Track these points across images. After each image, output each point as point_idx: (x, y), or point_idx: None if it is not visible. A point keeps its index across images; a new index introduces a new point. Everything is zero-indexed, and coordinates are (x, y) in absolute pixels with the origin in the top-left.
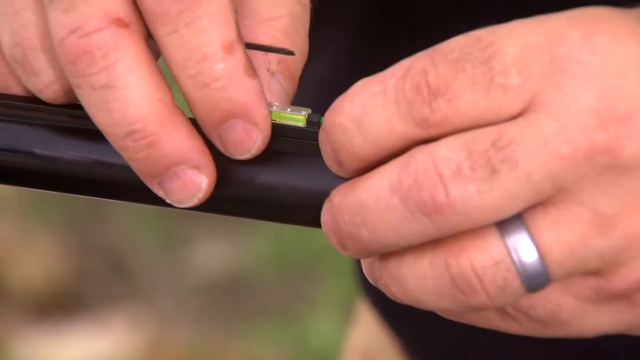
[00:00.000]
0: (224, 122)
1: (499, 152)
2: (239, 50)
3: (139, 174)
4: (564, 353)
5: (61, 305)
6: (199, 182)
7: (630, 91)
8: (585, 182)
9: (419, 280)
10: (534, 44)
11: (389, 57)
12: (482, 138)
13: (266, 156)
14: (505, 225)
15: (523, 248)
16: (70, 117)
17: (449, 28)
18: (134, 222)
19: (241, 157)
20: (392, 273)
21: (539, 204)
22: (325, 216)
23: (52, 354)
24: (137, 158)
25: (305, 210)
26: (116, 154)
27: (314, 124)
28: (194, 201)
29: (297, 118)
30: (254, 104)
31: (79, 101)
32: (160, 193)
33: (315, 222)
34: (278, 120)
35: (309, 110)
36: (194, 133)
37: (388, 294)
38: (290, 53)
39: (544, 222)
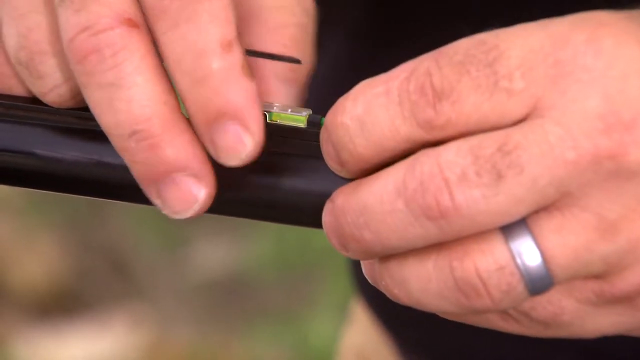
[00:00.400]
0: (216, 122)
1: (505, 157)
2: (237, 50)
3: (138, 180)
4: (564, 354)
5: (61, 305)
6: (196, 192)
7: (635, 95)
8: (590, 188)
9: (422, 283)
10: (538, 47)
11: (389, 58)
12: (488, 143)
13: (267, 157)
14: (509, 229)
15: (527, 252)
16: (72, 118)
17: (450, 29)
18: (135, 222)
19: (232, 164)
20: (393, 275)
21: (543, 209)
22: (327, 217)
23: (52, 354)
24: (138, 160)
25: (305, 211)
26: (117, 154)
27: (315, 125)
28: (191, 212)
29: (298, 119)
30: (247, 106)
31: (83, 106)
32: (157, 202)
33: (316, 223)
34: (279, 121)
35: (310, 111)
36: (197, 141)
37: (389, 295)
38: (297, 61)
39: (548, 226)
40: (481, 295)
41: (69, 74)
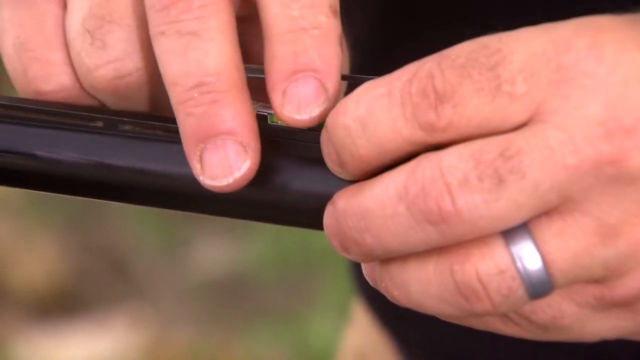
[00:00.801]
0: (301, 73)
1: (507, 162)
2: (338, 20)
3: (185, 137)
4: (563, 356)
5: (61, 305)
6: (240, 161)
7: (636, 101)
8: (591, 193)
9: (422, 286)
10: (541, 52)
11: (390, 60)
12: (489, 147)
13: (266, 159)
14: (510, 233)
15: (528, 256)
16: (72, 119)
17: (450, 30)
18: (135, 223)
19: (302, 117)
20: (394, 277)
21: (544, 213)
22: (328, 220)
23: (52, 354)
24: (195, 114)
25: (306, 213)
26: (117, 155)
27: (316, 126)
28: (226, 182)
29: None
30: (332, 69)
31: (116, 93)
32: (197, 167)
33: (317, 225)
34: (279, 123)
35: None
36: (254, 115)
37: (389, 297)
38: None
39: (549, 231)
40: (481, 299)
41: (130, 50)
